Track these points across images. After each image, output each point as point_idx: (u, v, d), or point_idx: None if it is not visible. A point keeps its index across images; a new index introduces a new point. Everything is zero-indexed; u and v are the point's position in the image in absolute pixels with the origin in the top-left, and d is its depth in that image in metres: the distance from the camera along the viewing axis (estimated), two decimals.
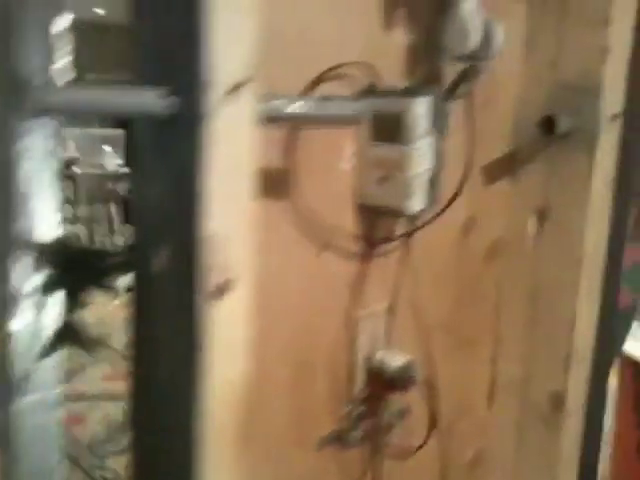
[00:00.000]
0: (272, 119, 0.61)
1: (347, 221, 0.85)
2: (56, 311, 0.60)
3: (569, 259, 0.99)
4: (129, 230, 0.69)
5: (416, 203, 0.79)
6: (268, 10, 0.68)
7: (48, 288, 0.58)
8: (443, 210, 0.85)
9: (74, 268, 0.61)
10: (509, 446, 1.07)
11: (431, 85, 0.83)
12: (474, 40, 0.77)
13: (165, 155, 0.60)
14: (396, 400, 0.92)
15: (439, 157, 0.80)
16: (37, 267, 0.58)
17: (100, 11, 5.98)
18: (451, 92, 0.85)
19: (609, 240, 1.05)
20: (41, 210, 0.58)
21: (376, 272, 0.88)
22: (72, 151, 4.95)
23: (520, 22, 0.99)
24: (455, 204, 0.93)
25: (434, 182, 0.80)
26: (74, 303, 0.61)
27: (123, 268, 0.68)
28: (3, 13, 0.54)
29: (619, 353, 1.60)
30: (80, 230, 4.75)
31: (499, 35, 0.79)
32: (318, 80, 0.76)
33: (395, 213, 0.81)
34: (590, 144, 0.93)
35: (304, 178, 0.78)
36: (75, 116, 3.70)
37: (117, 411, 2.52)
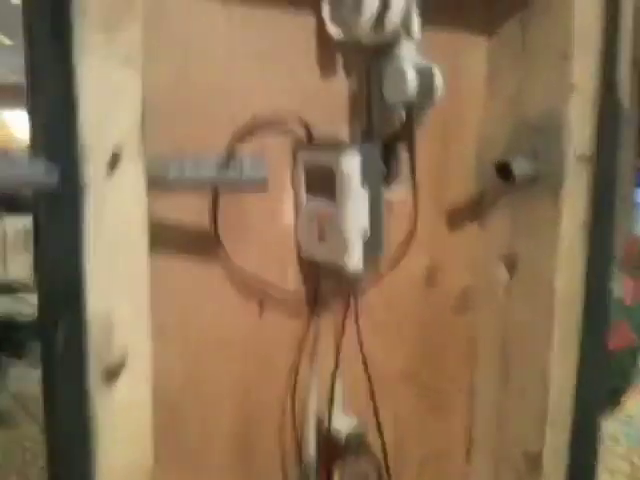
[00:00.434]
0: (166, 185, 0.57)
1: (291, 278, 0.80)
2: None
3: (540, 308, 0.92)
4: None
5: (355, 260, 0.74)
6: (183, 56, 0.64)
7: None
8: (394, 264, 0.80)
9: None
10: None
11: (369, 135, 0.77)
12: (411, 87, 0.72)
13: (52, 231, 0.57)
14: (351, 464, 0.86)
15: (378, 211, 0.75)
16: None
17: None
18: (393, 142, 0.80)
19: (593, 282, 0.98)
20: None
21: (325, 330, 0.83)
22: None
23: (481, 58, 0.94)
24: (416, 252, 0.88)
25: (375, 237, 0.75)
26: None
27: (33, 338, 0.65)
28: None
29: (623, 393, 1.51)
30: None
31: (439, 80, 0.74)
32: (242, 134, 0.71)
33: (337, 270, 0.76)
34: (555, 188, 0.87)
35: (242, 235, 0.74)
36: None
37: None
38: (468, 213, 0.96)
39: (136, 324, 0.56)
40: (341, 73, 0.79)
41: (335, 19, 0.74)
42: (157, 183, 0.56)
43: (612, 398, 1.42)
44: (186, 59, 0.67)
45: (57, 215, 0.55)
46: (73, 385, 0.57)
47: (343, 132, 0.80)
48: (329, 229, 0.74)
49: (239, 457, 0.80)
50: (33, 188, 0.54)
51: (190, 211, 0.69)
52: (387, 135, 0.82)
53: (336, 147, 0.72)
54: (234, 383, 0.78)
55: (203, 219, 0.70)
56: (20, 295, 3.43)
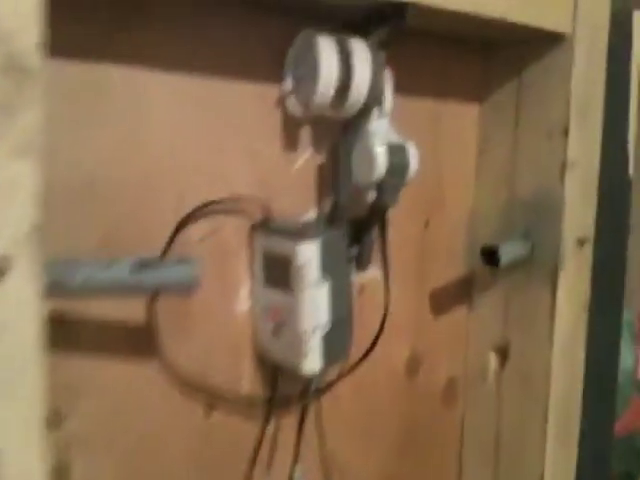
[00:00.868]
0: (72, 292, 0.48)
1: (245, 376, 0.71)
2: None
3: (534, 404, 0.82)
4: None
5: (310, 362, 0.65)
6: (122, 133, 0.57)
7: None
8: (366, 354, 0.71)
9: None
10: None
11: (336, 216, 0.69)
12: (380, 168, 0.64)
13: None
14: None
15: (342, 305, 0.66)
16: None
17: None
18: (364, 222, 0.72)
19: (595, 370, 0.87)
20: None
21: (283, 436, 0.73)
22: None
23: (470, 126, 0.85)
24: (395, 340, 0.79)
25: (338, 335, 0.66)
26: None
27: None
28: None
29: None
30: None
31: (413, 159, 0.66)
32: (190, 217, 0.63)
33: (292, 370, 0.67)
34: (551, 273, 0.78)
35: (186, 327, 0.66)
36: None
37: None
38: (455, 297, 0.87)
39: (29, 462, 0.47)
40: (306, 149, 0.71)
41: (296, 94, 0.66)
42: (59, 289, 0.48)
43: None
44: (126, 135, 0.59)
45: None
46: None
47: (308, 213, 0.72)
48: (284, 324, 0.66)
49: None
50: None
51: (121, 300, 0.60)
52: (358, 215, 0.73)
53: (292, 234, 0.63)
54: None
55: (137, 309, 0.62)
56: None
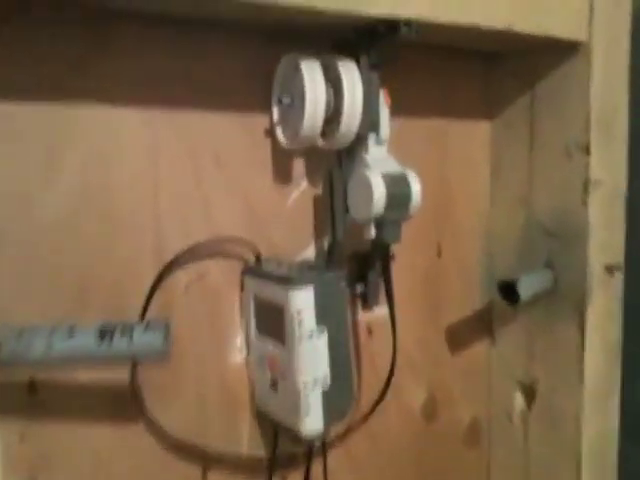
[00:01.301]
0: (24, 363, 0.43)
1: (243, 435, 0.65)
2: None
3: (564, 448, 0.74)
4: None
5: (309, 423, 0.58)
6: (94, 173, 0.51)
7: None
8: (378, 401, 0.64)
9: None
10: None
11: (335, 253, 0.62)
12: (378, 202, 0.57)
13: None
14: None
15: (343, 354, 0.59)
16: None
17: None
18: (368, 256, 0.66)
19: (634, 408, 0.79)
20: None
21: None
22: None
23: (482, 147, 0.78)
24: (410, 382, 0.72)
25: (340, 387, 0.59)
26: None
27: None
28: None
29: None
30: None
31: (416, 189, 0.59)
32: (171, 267, 0.57)
33: (291, 430, 0.60)
34: (577, 305, 0.70)
35: (175, 383, 0.60)
36: None
37: None
38: (474, 331, 0.80)
39: None
40: (300, 181, 0.65)
41: (283, 124, 0.60)
42: (16, 361, 0.42)
43: None
44: (93, 178, 0.54)
45: None
46: None
47: (305, 251, 0.65)
48: (281, 378, 0.59)
49: None
50: None
51: None
52: (361, 250, 0.67)
53: (284, 279, 0.57)
54: None
55: (118, 367, 0.56)
56: None
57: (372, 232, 0.60)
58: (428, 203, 0.71)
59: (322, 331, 0.57)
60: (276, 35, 0.59)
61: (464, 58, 0.73)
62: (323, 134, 0.59)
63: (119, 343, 0.44)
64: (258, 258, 0.62)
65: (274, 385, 0.60)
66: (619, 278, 0.72)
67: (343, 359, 0.60)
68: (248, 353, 0.63)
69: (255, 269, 0.61)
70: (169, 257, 0.57)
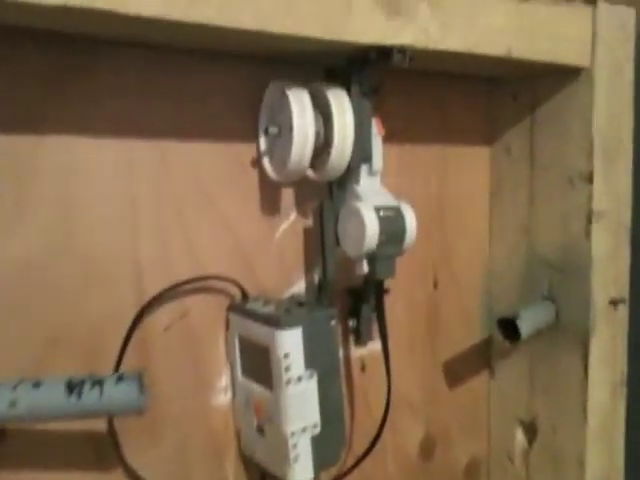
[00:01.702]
0: None
1: (229, 478, 0.61)
2: None
3: None
4: None
5: (302, 471, 0.55)
6: (64, 214, 0.48)
7: None
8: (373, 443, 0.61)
9: None
10: None
11: (326, 289, 0.59)
12: (371, 238, 0.54)
13: None
14: None
15: (334, 398, 0.56)
16: None
17: None
18: (361, 291, 0.62)
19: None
20: None
21: None
22: None
23: (482, 172, 0.75)
24: (406, 421, 0.69)
25: (331, 434, 0.56)
26: None
27: None
28: None
29: None
30: None
31: (410, 223, 0.56)
32: (150, 307, 0.54)
33: (278, 477, 0.56)
34: (580, 340, 0.67)
35: (155, 426, 0.56)
36: None
37: None
38: (473, 366, 0.77)
39: None
40: (289, 213, 0.61)
41: (270, 154, 0.57)
42: None
43: None
44: (64, 217, 0.50)
45: None
46: None
47: (294, 287, 0.62)
48: (268, 422, 0.56)
49: None
50: None
51: None
52: (353, 285, 0.64)
53: (271, 318, 0.54)
54: None
55: None
56: None
57: (364, 267, 0.57)
58: (425, 233, 0.68)
59: (311, 375, 0.54)
60: (263, 62, 0.56)
61: (462, 82, 0.71)
62: (313, 165, 0.56)
63: (89, 397, 0.40)
64: (244, 294, 0.58)
65: (261, 430, 0.57)
66: (624, 312, 0.69)
67: (334, 403, 0.57)
68: (234, 395, 0.60)
69: (240, 307, 0.58)
70: (150, 297, 0.53)
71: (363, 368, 0.69)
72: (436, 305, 0.73)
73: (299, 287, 0.63)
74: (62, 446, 0.53)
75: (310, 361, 0.54)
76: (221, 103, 0.56)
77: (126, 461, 0.54)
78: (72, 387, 0.41)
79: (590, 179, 0.65)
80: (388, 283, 0.62)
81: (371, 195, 0.57)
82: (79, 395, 0.41)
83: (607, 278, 0.67)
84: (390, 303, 0.64)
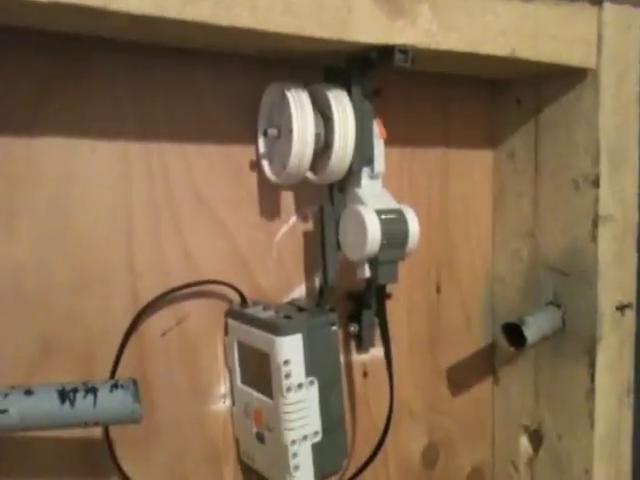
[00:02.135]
0: None
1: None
2: None
3: None
4: None
5: (302, 478, 0.53)
6: (61, 215, 0.47)
7: None
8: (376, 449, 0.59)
9: None
10: None
11: (325, 299, 0.58)
12: (373, 242, 0.53)
13: None
14: None
15: (334, 405, 0.55)
16: None
17: None
18: (362, 296, 0.61)
19: None
20: None
21: None
22: None
23: (486, 176, 0.74)
24: (408, 429, 0.68)
25: (332, 441, 0.55)
26: None
27: None
28: None
29: None
30: None
31: (413, 227, 0.55)
32: (146, 312, 0.53)
33: None
34: (586, 346, 0.66)
35: (151, 433, 0.55)
36: None
37: None
38: (477, 372, 0.75)
39: None
40: (288, 217, 0.60)
41: (269, 157, 0.56)
42: None
43: None
44: (59, 221, 0.49)
45: None
46: None
47: (294, 292, 0.61)
48: (268, 429, 0.55)
49: None
50: None
51: None
52: (355, 289, 0.63)
53: (271, 324, 0.53)
54: None
55: None
56: None
57: (366, 272, 0.56)
58: (427, 237, 0.67)
59: (312, 382, 0.53)
60: (262, 63, 0.55)
61: (465, 85, 0.70)
62: (313, 168, 0.54)
63: (82, 405, 0.39)
64: (243, 299, 0.57)
65: (260, 437, 0.56)
66: (631, 317, 0.68)
67: (335, 411, 0.56)
68: (233, 402, 0.59)
69: (239, 312, 0.56)
70: (145, 303, 0.52)
71: (365, 374, 0.68)
72: (439, 310, 0.72)
73: (299, 292, 0.62)
74: (56, 454, 0.51)
75: (311, 368, 0.53)
76: (219, 105, 0.55)
77: (122, 469, 0.53)
78: (65, 395, 0.40)
79: (596, 183, 0.64)
80: (390, 288, 0.60)
81: (373, 198, 0.55)
82: (72, 403, 0.39)
83: (613, 283, 0.66)
84: (392, 308, 0.62)
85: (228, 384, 0.58)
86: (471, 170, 0.72)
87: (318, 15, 0.44)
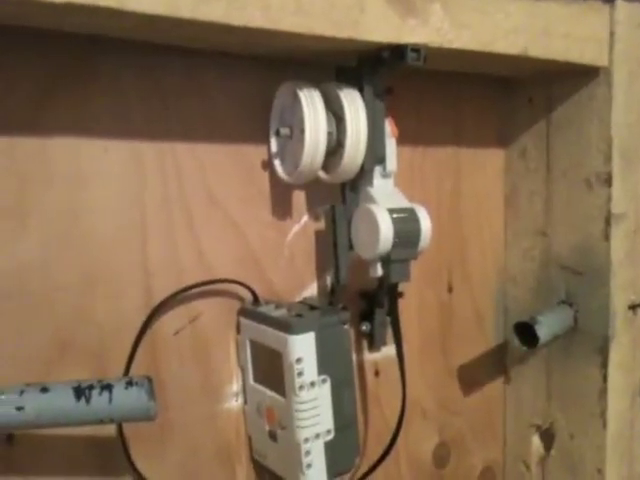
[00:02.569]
0: None
1: None
2: None
3: None
4: None
5: (314, 476, 0.54)
6: (70, 217, 0.47)
7: None
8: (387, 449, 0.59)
9: None
10: None
11: (338, 298, 0.58)
12: (385, 241, 0.53)
13: None
14: None
15: (347, 403, 0.55)
16: None
17: None
18: (375, 295, 0.61)
19: None
20: None
21: None
22: None
23: (497, 174, 0.74)
24: (419, 428, 0.68)
25: (344, 440, 0.55)
26: None
27: None
28: None
29: None
30: None
31: (425, 225, 0.55)
32: (159, 311, 0.53)
33: None
34: (599, 345, 0.66)
35: (164, 429, 0.55)
36: None
37: None
38: (488, 371, 0.75)
39: None
40: (300, 216, 0.61)
41: (281, 156, 0.56)
42: None
43: None
44: (69, 222, 0.49)
45: None
46: None
47: (306, 291, 0.61)
48: (280, 428, 0.55)
49: None
50: None
51: None
52: (367, 288, 0.63)
53: (283, 323, 0.53)
54: None
55: None
56: None
57: (378, 270, 0.56)
58: (438, 236, 0.67)
59: (324, 380, 0.53)
60: (274, 63, 0.55)
61: (476, 83, 0.70)
62: (325, 167, 0.55)
63: (98, 402, 0.40)
64: (255, 298, 0.57)
65: (273, 436, 0.56)
66: None
67: (348, 409, 0.56)
68: (245, 401, 0.59)
69: (251, 311, 0.57)
70: (159, 301, 0.53)
71: (376, 373, 0.68)
72: (450, 309, 0.72)
73: (311, 291, 0.62)
74: (70, 451, 0.52)
75: (323, 366, 0.53)
76: (230, 105, 0.55)
77: (135, 467, 0.53)
78: (80, 392, 0.40)
79: (609, 181, 0.64)
80: (401, 287, 0.60)
81: (385, 197, 0.55)
82: (87, 400, 0.40)
83: (626, 282, 0.65)
84: (403, 307, 0.62)
85: (240, 382, 0.59)
86: (482, 169, 0.72)
87: (330, 14, 0.45)
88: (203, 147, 0.54)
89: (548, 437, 0.73)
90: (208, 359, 0.57)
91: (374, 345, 0.65)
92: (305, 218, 0.60)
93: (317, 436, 0.53)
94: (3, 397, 0.39)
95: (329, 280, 0.61)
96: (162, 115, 0.52)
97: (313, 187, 0.59)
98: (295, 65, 0.55)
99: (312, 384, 0.53)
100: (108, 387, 0.41)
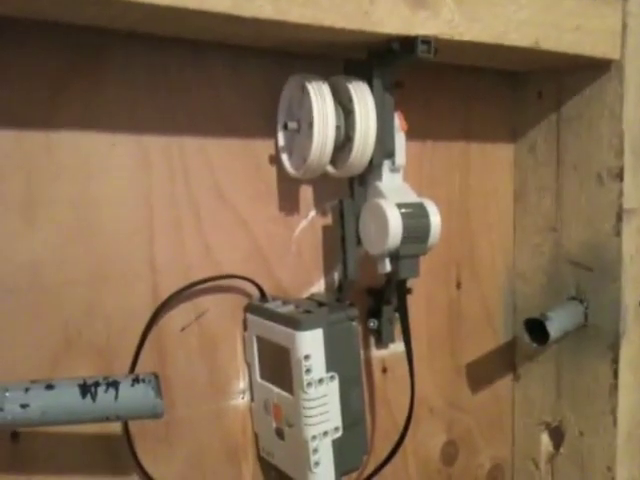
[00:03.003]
0: None
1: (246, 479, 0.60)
2: None
3: None
4: None
5: (322, 474, 0.53)
6: (77, 214, 0.46)
7: None
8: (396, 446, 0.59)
9: None
10: None
11: (345, 293, 0.57)
12: (394, 235, 0.52)
13: None
14: None
15: (354, 400, 0.54)
16: None
17: None
18: (383, 291, 0.61)
19: None
20: None
21: None
22: None
23: (507, 169, 0.73)
24: (427, 424, 0.67)
25: (352, 437, 0.54)
26: None
27: None
28: None
29: None
30: None
31: (435, 220, 0.54)
32: (166, 307, 0.53)
33: None
34: (610, 341, 0.65)
35: (169, 428, 0.55)
36: None
37: None
38: (497, 368, 0.75)
39: None
40: (308, 211, 0.60)
41: (289, 150, 0.56)
42: None
43: None
44: (78, 216, 0.49)
45: None
46: None
47: (314, 287, 0.61)
48: (287, 425, 0.54)
49: None
50: None
51: None
52: (375, 285, 0.62)
53: (291, 319, 0.52)
54: None
55: None
56: None
57: (387, 266, 0.55)
58: (447, 232, 0.66)
59: (332, 377, 0.53)
60: (280, 56, 0.54)
61: (486, 77, 0.69)
62: (333, 161, 0.54)
63: (104, 399, 0.39)
64: (263, 294, 0.57)
65: (280, 433, 0.55)
66: None
67: (356, 406, 0.55)
68: (252, 398, 0.58)
69: (259, 307, 0.56)
70: (165, 297, 0.52)
71: (384, 370, 0.67)
72: (459, 306, 0.71)
73: (318, 287, 0.61)
74: (76, 449, 0.51)
75: (331, 363, 0.52)
76: (237, 98, 0.55)
77: (141, 464, 0.53)
78: (86, 389, 0.39)
79: (620, 176, 0.63)
80: (410, 283, 0.60)
81: (393, 192, 0.55)
82: (93, 397, 0.39)
83: (637, 277, 0.65)
84: (411, 304, 0.62)
85: (247, 379, 0.58)
86: (492, 163, 0.71)
87: (340, 6, 0.44)
88: (210, 141, 0.54)
89: (557, 435, 0.72)
90: (215, 356, 0.57)
91: (382, 342, 0.65)
92: (313, 213, 0.60)
93: (325, 434, 0.53)
94: (8, 394, 0.38)
95: (337, 276, 0.61)
96: (169, 109, 0.51)
97: (321, 182, 0.58)
98: (303, 58, 0.54)
99: (320, 381, 0.52)
100: (114, 384, 0.40)
